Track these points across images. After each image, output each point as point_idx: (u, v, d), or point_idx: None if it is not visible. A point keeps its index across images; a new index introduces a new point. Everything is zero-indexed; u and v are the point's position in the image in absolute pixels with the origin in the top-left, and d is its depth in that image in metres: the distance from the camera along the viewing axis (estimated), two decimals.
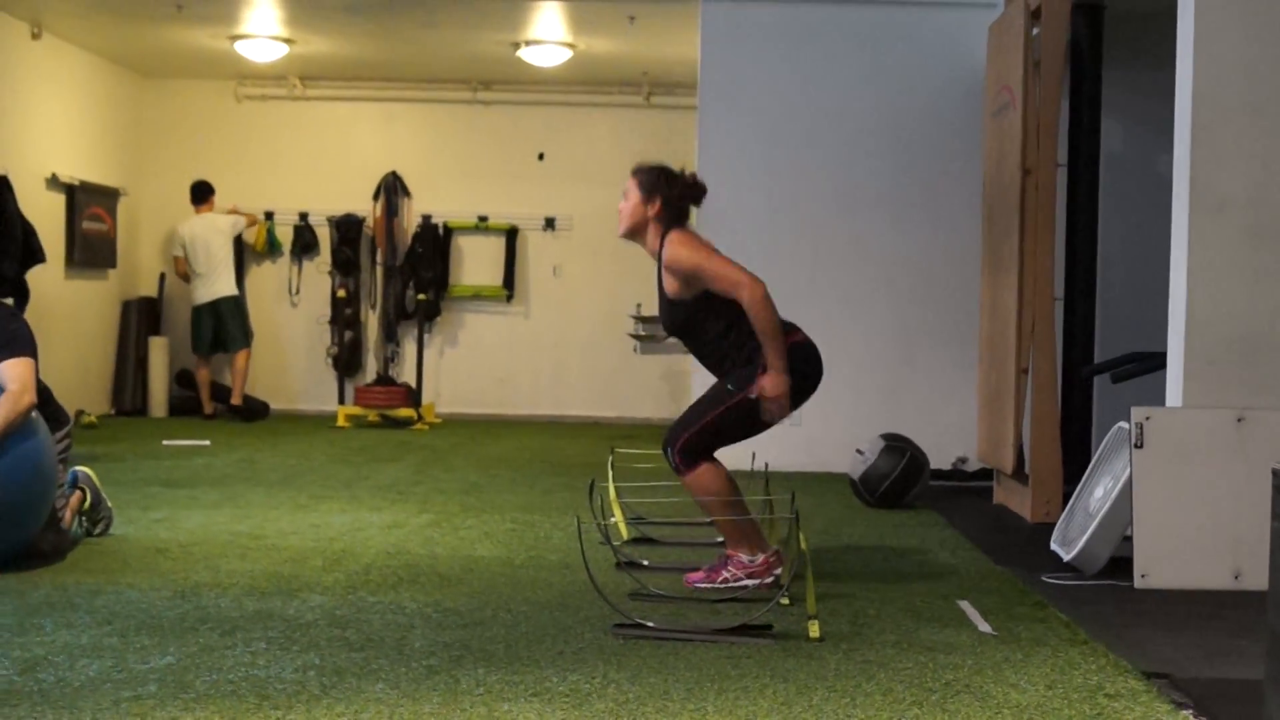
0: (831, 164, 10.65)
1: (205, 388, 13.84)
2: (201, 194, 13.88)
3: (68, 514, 6.60)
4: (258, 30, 12.58)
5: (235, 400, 13.83)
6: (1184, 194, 6.59)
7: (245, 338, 13.91)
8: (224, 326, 13.76)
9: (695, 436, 5.99)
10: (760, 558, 6.02)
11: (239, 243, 14.45)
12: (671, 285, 6.06)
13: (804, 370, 6.07)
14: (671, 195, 6.13)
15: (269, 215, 14.73)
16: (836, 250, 10.65)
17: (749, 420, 6.06)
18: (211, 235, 13.70)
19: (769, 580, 5.95)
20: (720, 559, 6.12)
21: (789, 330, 6.07)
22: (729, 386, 6.04)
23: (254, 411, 13.86)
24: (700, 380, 10.11)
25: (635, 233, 6.18)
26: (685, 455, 5.98)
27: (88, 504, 6.84)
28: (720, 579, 6.00)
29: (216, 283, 13.71)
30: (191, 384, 14.19)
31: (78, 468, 7.00)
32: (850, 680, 4.44)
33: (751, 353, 6.00)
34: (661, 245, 6.06)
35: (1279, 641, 3.56)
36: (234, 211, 14.16)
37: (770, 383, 5.90)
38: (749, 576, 5.98)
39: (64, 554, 6.36)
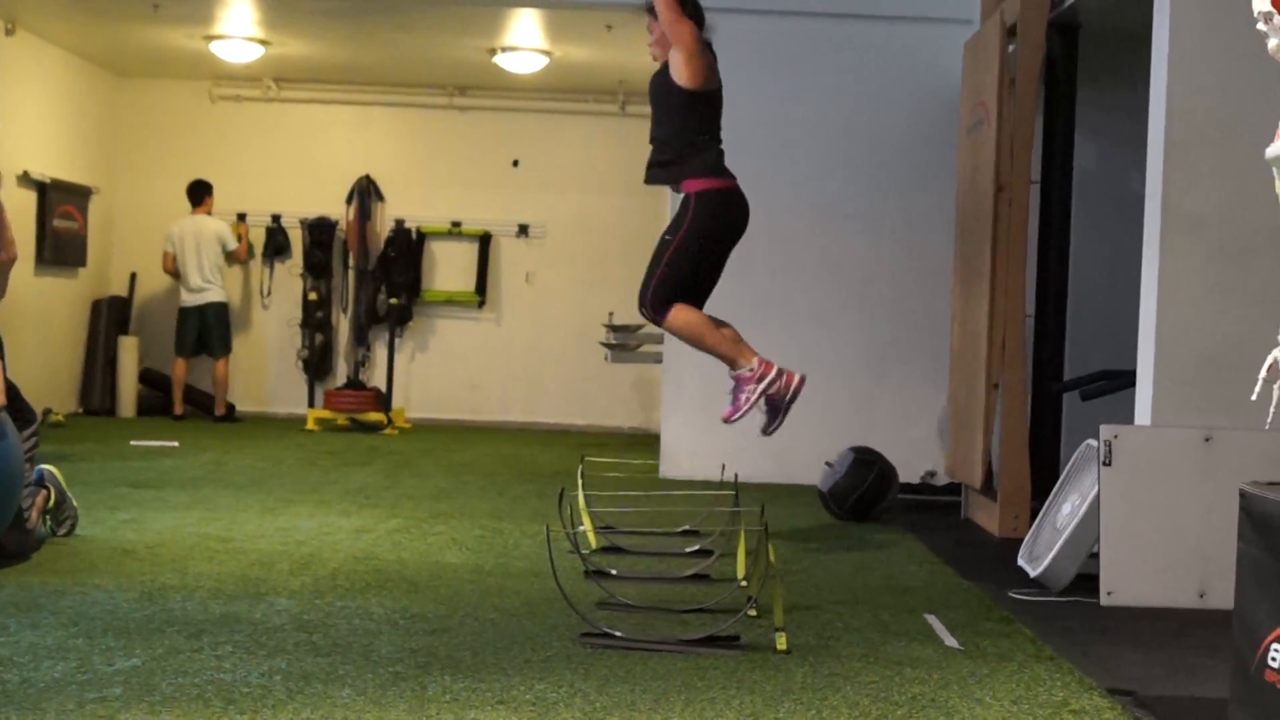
0: (805, 177, 10.67)
1: (179, 388, 13.81)
2: (197, 194, 13.85)
3: (34, 513, 6.56)
4: (233, 31, 12.56)
5: (219, 410, 13.80)
6: (1156, 212, 6.63)
7: (226, 346, 13.87)
8: (209, 331, 13.74)
9: (658, 287, 7.01)
10: (756, 362, 6.95)
11: None
12: (674, 63, 7.24)
13: (727, 214, 7.12)
14: (686, 9, 7.25)
15: (241, 217, 14.70)
16: (809, 263, 10.67)
17: (694, 257, 7.04)
18: (202, 239, 13.66)
19: (781, 379, 6.90)
20: (732, 387, 7.03)
21: (725, 175, 7.17)
22: (665, 236, 7.06)
23: (236, 420, 13.86)
24: (672, 390, 10.14)
25: (672, 36, 7.23)
26: (655, 305, 7.00)
27: (52, 503, 6.80)
28: (743, 402, 6.94)
29: (205, 287, 13.67)
30: (157, 384, 14.14)
31: (43, 466, 6.96)
32: (816, 693, 4.45)
33: (693, 152, 7.15)
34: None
35: (1244, 661, 3.58)
36: (241, 238, 14.20)
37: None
38: (761, 383, 6.92)
39: (29, 554, 6.33)
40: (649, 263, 7.14)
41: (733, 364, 7.02)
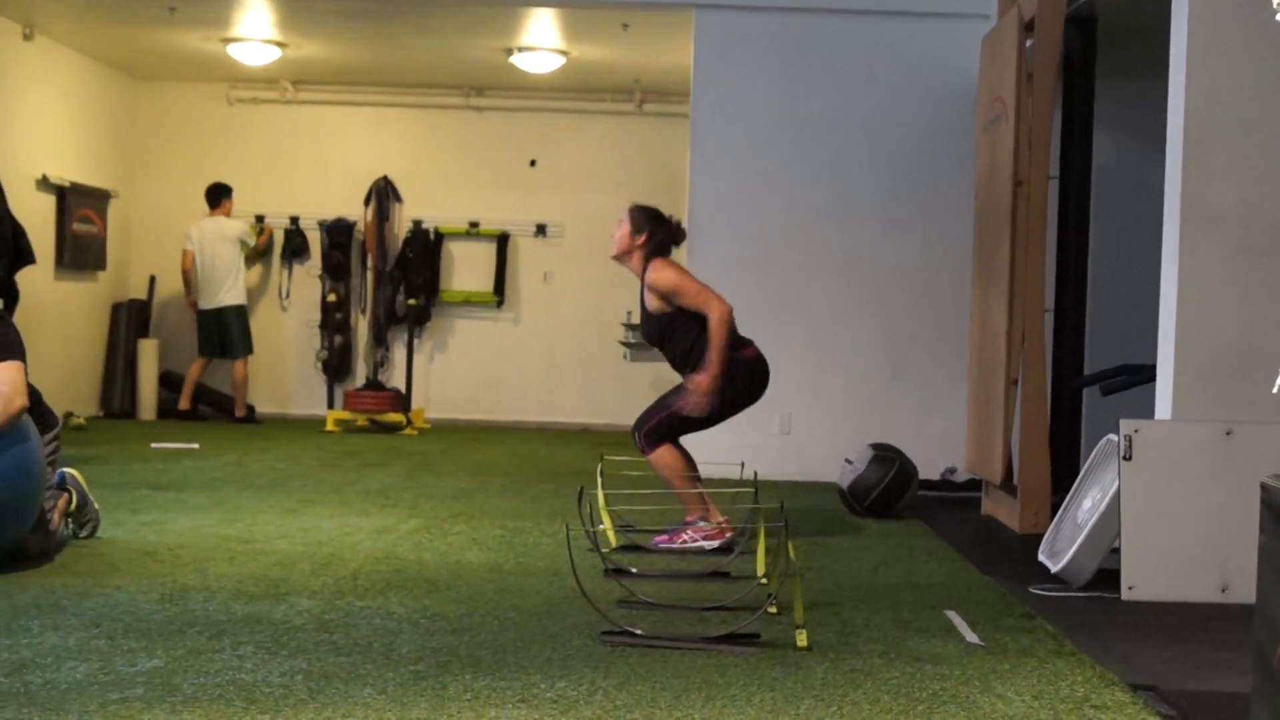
0: (823, 174, 10.67)
1: (190, 384, 13.79)
2: (215, 197, 13.87)
3: (55, 515, 6.58)
4: (250, 33, 12.57)
5: (239, 412, 13.82)
6: (1175, 207, 6.61)
7: (247, 346, 13.91)
8: (227, 333, 13.77)
9: (659, 426, 7.29)
10: (714, 524, 7.23)
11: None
12: (652, 301, 7.33)
13: (747, 383, 7.34)
14: (657, 234, 7.47)
15: (259, 219, 14.72)
16: (828, 260, 10.66)
17: (707, 414, 7.25)
18: (219, 241, 13.69)
19: (720, 543, 7.10)
20: (680, 524, 7.31)
21: (743, 344, 7.35)
22: (688, 386, 7.19)
23: (256, 421, 13.89)
24: None
25: (623, 256, 7.53)
26: (649, 438, 7.29)
27: (74, 505, 6.82)
28: (681, 540, 7.16)
29: (221, 290, 13.71)
30: (177, 386, 14.13)
31: (64, 469, 6.98)
32: (837, 690, 4.44)
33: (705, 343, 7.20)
34: (645, 269, 7.38)
35: (1265, 655, 3.57)
36: (263, 231, 14.28)
37: (700, 380, 7.13)
38: (705, 539, 7.16)
39: (52, 556, 6.35)
40: (662, 396, 7.44)
41: (690, 511, 7.33)
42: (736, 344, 7.26)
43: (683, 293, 7.23)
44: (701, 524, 7.24)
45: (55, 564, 6.25)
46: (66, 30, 12.59)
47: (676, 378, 7.50)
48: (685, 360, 7.31)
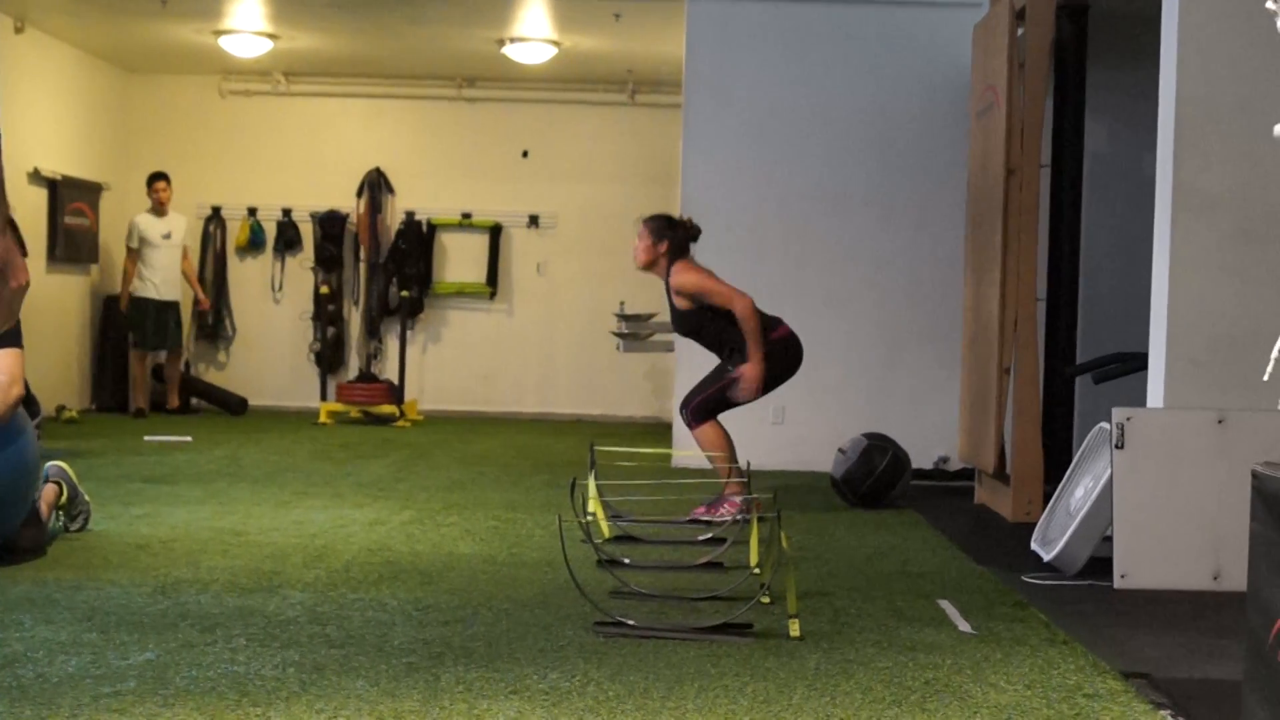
0: (817, 163, 10.67)
1: (140, 383, 13.62)
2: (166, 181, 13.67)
3: (44, 508, 6.55)
4: (242, 25, 12.56)
5: (173, 403, 13.71)
6: (1167, 194, 6.60)
7: (180, 340, 13.79)
8: (165, 326, 13.59)
9: (705, 402, 7.98)
10: (742, 501, 7.44)
11: (223, 242, 14.53)
12: (680, 302, 8.01)
13: (784, 360, 8.07)
14: (675, 237, 8.01)
15: (252, 211, 14.72)
16: (822, 249, 10.67)
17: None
18: (159, 234, 13.55)
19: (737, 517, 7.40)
20: (719, 497, 7.90)
21: (774, 325, 8.03)
22: (729, 367, 7.98)
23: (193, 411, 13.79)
24: (685, 378, 10.12)
25: (650, 266, 8.06)
26: (696, 414, 7.98)
27: (64, 498, 6.80)
28: (719, 514, 7.64)
29: (162, 283, 13.55)
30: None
31: (52, 461, 6.97)
32: (830, 679, 4.44)
33: (742, 344, 7.90)
34: (669, 273, 7.98)
35: (1258, 642, 3.57)
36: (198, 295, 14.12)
37: (748, 370, 7.87)
38: (737, 513, 7.38)
39: (43, 549, 6.34)
40: (706, 376, 8.12)
41: (728, 486, 7.94)
42: (768, 326, 7.96)
43: (707, 292, 7.92)
44: (736, 498, 7.65)
45: (48, 557, 6.24)
46: (58, 23, 12.58)
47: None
48: (717, 345, 8.10)
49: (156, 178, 13.63)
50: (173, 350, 13.78)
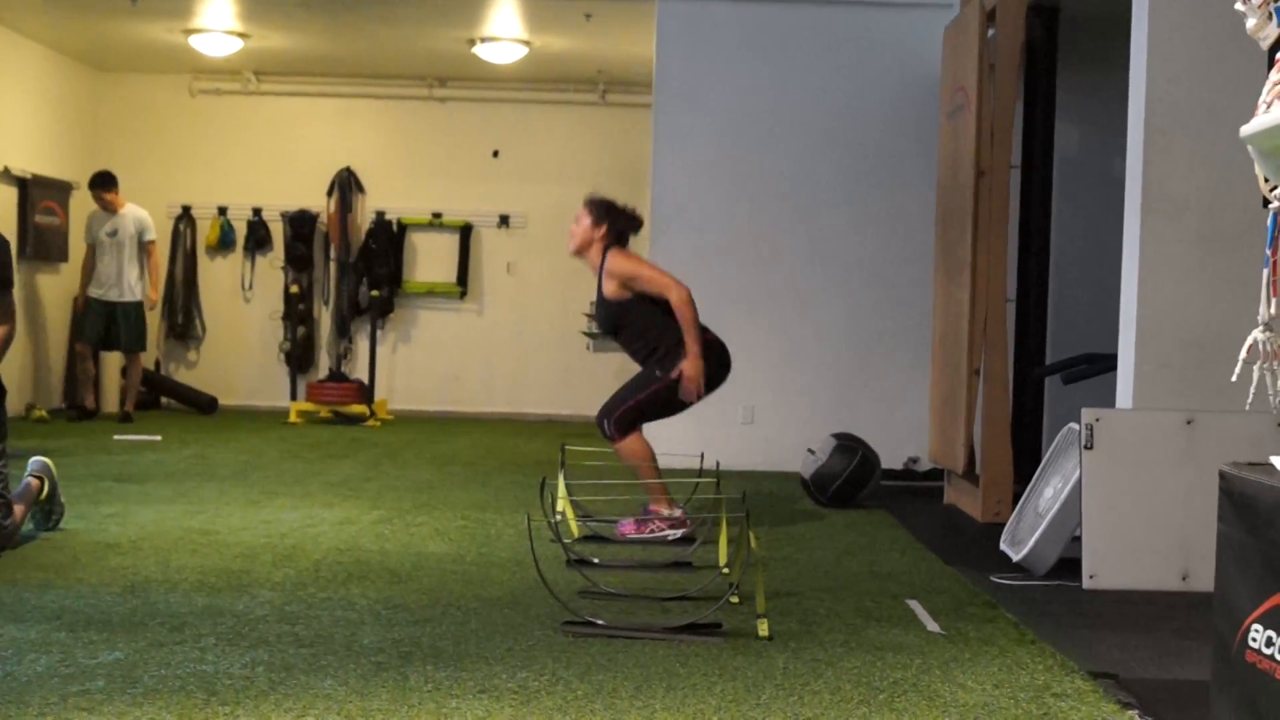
0: (787, 164, 10.68)
1: (90, 383, 13.29)
2: (106, 184, 13.22)
3: (22, 504, 6.50)
4: (213, 24, 12.52)
5: (128, 407, 13.18)
6: (1137, 197, 6.63)
7: (141, 343, 13.31)
8: (117, 328, 13.14)
9: (626, 412, 7.37)
10: (677, 512, 7.35)
11: (193, 241, 14.48)
12: (610, 288, 7.45)
13: (718, 364, 7.48)
14: (616, 223, 7.58)
15: (222, 210, 14.68)
16: (792, 250, 10.67)
17: (671, 400, 7.42)
18: (121, 232, 13.20)
19: (685, 531, 7.18)
20: (643, 513, 7.40)
21: (704, 330, 7.41)
22: (656, 373, 7.40)
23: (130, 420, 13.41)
24: None
25: (583, 250, 7.62)
26: (618, 426, 7.36)
27: (45, 494, 6.77)
28: (648, 530, 7.22)
29: (106, 282, 13.16)
30: (150, 383, 14.01)
31: (36, 457, 6.96)
32: (798, 679, 4.45)
33: (670, 347, 7.35)
34: (603, 259, 7.48)
35: (1224, 642, 3.59)
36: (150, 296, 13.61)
37: (689, 366, 7.28)
38: (670, 527, 7.21)
39: (9, 540, 6.30)
40: (626, 384, 7.52)
41: (655, 501, 7.42)
42: (703, 330, 7.44)
43: (641, 277, 7.41)
44: (664, 513, 7.31)
45: (17, 556, 6.21)
46: (28, 20, 12.52)
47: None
48: (641, 347, 7.50)
49: (96, 183, 13.21)
50: (128, 354, 13.32)
